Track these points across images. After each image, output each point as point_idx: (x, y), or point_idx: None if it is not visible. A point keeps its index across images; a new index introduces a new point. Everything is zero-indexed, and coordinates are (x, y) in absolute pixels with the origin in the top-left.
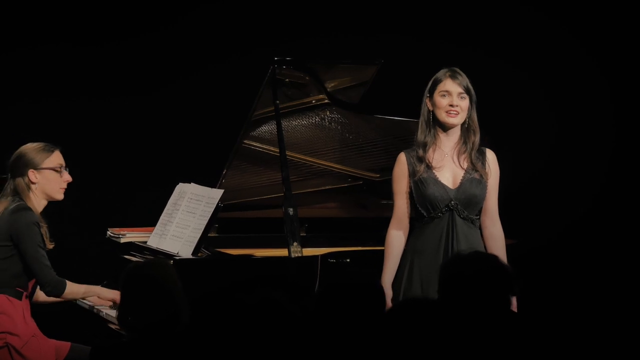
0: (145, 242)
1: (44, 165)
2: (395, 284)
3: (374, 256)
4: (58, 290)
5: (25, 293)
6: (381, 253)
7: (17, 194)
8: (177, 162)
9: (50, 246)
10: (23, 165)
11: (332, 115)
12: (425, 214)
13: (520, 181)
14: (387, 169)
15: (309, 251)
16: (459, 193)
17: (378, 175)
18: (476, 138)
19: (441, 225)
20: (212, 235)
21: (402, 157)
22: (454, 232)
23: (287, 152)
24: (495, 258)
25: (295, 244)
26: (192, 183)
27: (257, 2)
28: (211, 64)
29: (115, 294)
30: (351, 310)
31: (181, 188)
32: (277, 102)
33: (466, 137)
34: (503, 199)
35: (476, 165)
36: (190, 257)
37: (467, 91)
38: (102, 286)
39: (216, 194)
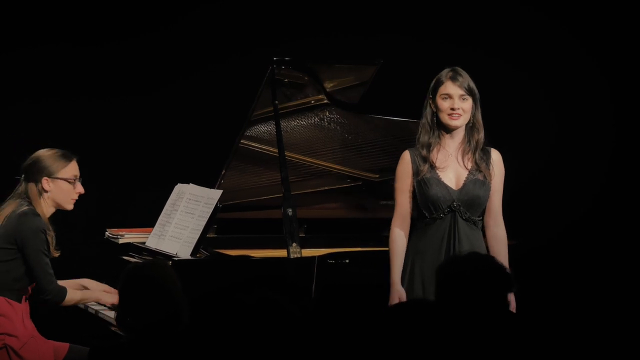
0: (144, 243)
1: (59, 175)
2: None
3: (374, 257)
4: (58, 299)
5: (25, 296)
6: (381, 254)
7: (27, 197)
8: (177, 162)
9: (56, 254)
10: (38, 171)
11: (332, 116)
12: (427, 215)
13: (520, 181)
14: (387, 169)
15: (308, 252)
16: (461, 194)
17: (377, 176)
18: (480, 136)
19: (443, 226)
20: (211, 236)
21: (406, 155)
22: (456, 233)
23: (286, 153)
24: (492, 258)
25: (294, 244)
26: (190, 183)
27: (257, 2)
28: (211, 64)
29: (114, 299)
30: (349, 311)
31: (180, 188)
32: (276, 102)
33: (470, 136)
34: (502, 199)
35: (480, 166)
36: (189, 257)
37: (469, 92)
38: None
39: (215, 194)
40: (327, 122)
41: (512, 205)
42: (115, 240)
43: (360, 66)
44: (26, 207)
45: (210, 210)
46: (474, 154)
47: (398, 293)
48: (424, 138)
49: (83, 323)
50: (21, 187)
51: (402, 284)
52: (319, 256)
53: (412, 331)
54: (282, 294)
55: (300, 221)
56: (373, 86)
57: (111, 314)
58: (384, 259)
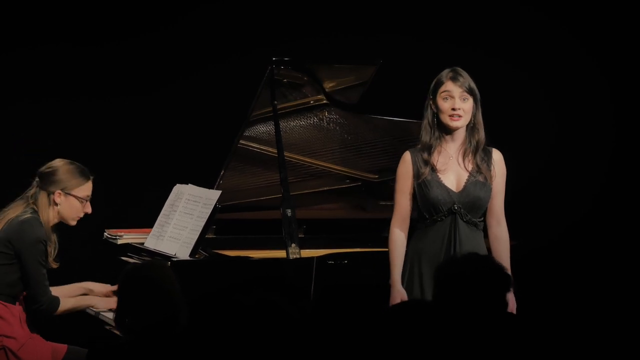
0: (143, 244)
1: (73, 192)
2: None
3: (373, 258)
4: (51, 309)
5: (20, 298)
6: (380, 254)
7: (35, 204)
8: (175, 162)
9: (54, 265)
10: (53, 183)
11: (331, 116)
12: (427, 217)
13: (521, 181)
14: (386, 170)
15: (307, 253)
16: (462, 196)
17: (376, 177)
18: (480, 136)
19: (443, 228)
20: (210, 236)
21: (407, 156)
22: (456, 235)
23: (286, 153)
24: (491, 259)
25: (293, 245)
26: (189, 184)
27: (257, 2)
28: (211, 64)
29: (109, 303)
30: (348, 312)
31: (178, 189)
32: (276, 102)
33: (471, 136)
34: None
35: (481, 167)
36: (188, 258)
37: (470, 92)
38: None
39: (214, 195)
40: (326, 122)
41: (512, 205)
42: (114, 241)
43: (360, 66)
44: (29, 215)
45: (209, 211)
46: (475, 155)
47: (399, 293)
48: (425, 139)
49: (81, 324)
50: (32, 191)
51: (402, 285)
52: (317, 257)
53: (411, 332)
54: (281, 294)
55: (300, 222)
56: (373, 86)
57: (110, 315)
58: (384, 259)
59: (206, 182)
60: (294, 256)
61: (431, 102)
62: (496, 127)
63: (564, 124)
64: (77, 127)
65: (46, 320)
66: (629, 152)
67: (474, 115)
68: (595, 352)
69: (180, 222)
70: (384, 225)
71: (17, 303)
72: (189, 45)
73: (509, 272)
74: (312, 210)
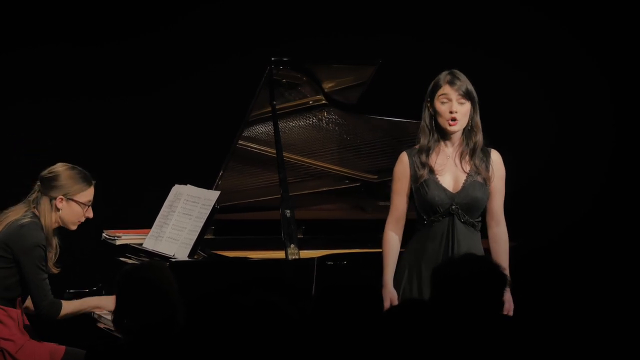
0: (141, 244)
1: (75, 198)
2: (394, 287)
3: (372, 258)
4: (52, 314)
5: (19, 300)
6: (379, 255)
7: (36, 208)
8: (174, 163)
9: (55, 271)
10: (55, 188)
11: (330, 116)
12: (425, 218)
13: (521, 182)
14: (385, 170)
15: (306, 253)
16: (460, 197)
17: (376, 177)
18: (478, 139)
19: (441, 229)
20: (209, 237)
21: (404, 157)
22: (454, 236)
23: (285, 154)
24: (488, 259)
25: (292, 246)
26: (188, 184)
27: (256, 2)
28: (211, 64)
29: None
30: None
31: (177, 189)
32: (274, 102)
33: (468, 138)
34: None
35: (479, 168)
36: (187, 259)
37: (468, 95)
38: (97, 289)
39: (213, 195)
40: (325, 122)
41: (512, 206)
42: (112, 242)
43: (359, 66)
44: (29, 219)
45: (208, 212)
46: (472, 156)
47: (390, 294)
48: (423, 141)
49: (80, 325)
50: (34, 196)
51: (399, 285)
52: (318, 257)
53: (409, 332)
54: (280, 295)
55: (299, 222)
56: (372, 86)
57: (107, 316)
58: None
59: (205, 183)
60: (293, 257)
61: (429, 105)
62: (496, 127)
63: (564, 124)
64: (77, 127)
65: (46, 322)
66: (629, 152)
67: (471, 118)
68: (595, 352)
69: (178, 223)
70: (383, 225)
71: (18, 304)
72: (189, 45)
73: (506, 272)
74: (311, 210)
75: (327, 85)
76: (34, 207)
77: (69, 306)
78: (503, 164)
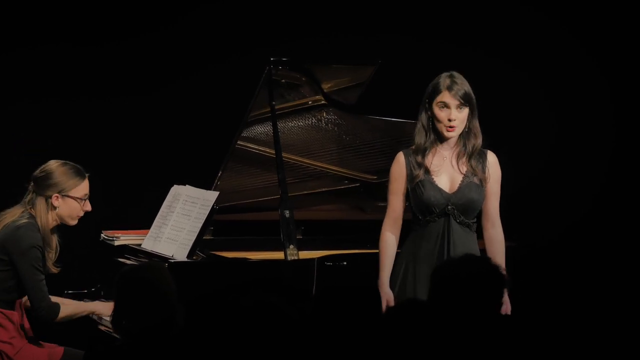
0: (140, 245)
1: (70, 194)
2: (390, 287)
3: (372, 259)
4: (50, 315)
5: (18, 302)
6: (379, 255)
7: (32, 209)
8: (173, 163)
9: (54, 270)
10: (50, 187)
11: (329, 117)
12: (421, 218)
13: (520, 182)
14: (384, 170)
15: (305, 254)
16: (456, 198)
17: (375, 177)
18: (477, 142)
19: (437, 229)
20: (208, 237)
21: (400, 157)
22: (450, 236)
23: (284, 154)
24: (486, 260)
25: (291, 246)
26: (187, 185)
27: (256, 2)
28: (211, 64)
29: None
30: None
31: (176, 190)
32: (274, 103)
33: (466, 140)
34: (502, 200)
35: (476, 169)
36: (185, 260)
37: (466, 100)
38: (96, 289)
39: (211, 196)
40: (324, 123)
41: (511, 206)
42: (111, 242)
43: (358, 66)
44: (25, 220)
45: (207, 212)
46: (469, 158)
47: (386, 296)
48: (419, 142)
49: (78, 326)
50: (29, 197)
51: (395, 286)
52: (318, 258)
53: (408, 333)
54: (279, 296)
55: (298, 223)
56: (371, 87)
57: (106, 317)
58: None
59: (204, 183)
60: (292, 258)
61: (427, 107)
62: (496, 127)
63: (564, 124)
64: (77, 127)
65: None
66: (629, 152)
67: (469, 121)
68: (594, 352)
69: (177, 224)
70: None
71: (18, 306)
72: (188, 45)
73: (504, 272)
74: (310, 211)
75: (327, 86)
76: (30, 208)
77: (66, 309)
78: (499, 166)
